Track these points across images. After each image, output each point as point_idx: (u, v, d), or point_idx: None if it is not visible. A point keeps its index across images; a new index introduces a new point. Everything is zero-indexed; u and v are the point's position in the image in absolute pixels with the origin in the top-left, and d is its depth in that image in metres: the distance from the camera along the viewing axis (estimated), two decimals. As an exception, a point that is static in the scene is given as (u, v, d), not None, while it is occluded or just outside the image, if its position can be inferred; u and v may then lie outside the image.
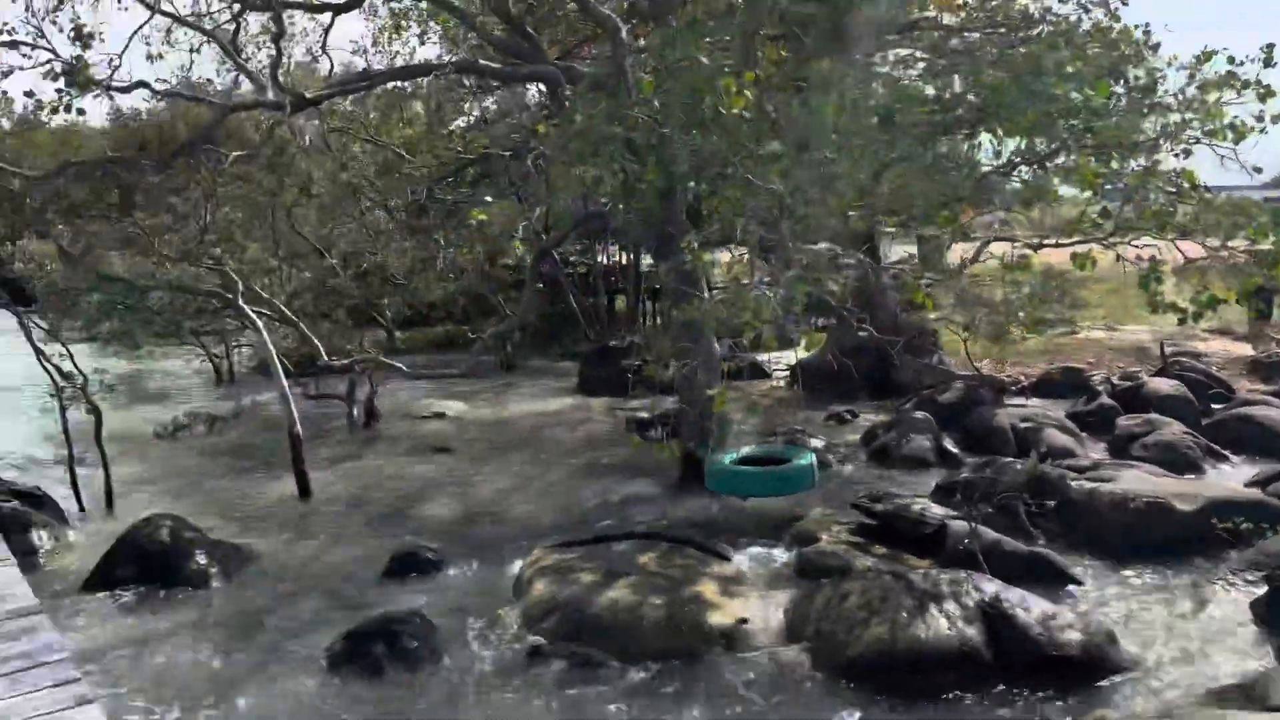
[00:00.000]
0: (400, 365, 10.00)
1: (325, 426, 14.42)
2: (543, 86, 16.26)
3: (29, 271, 17.28)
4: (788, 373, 16.70)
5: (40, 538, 9.04)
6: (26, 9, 8.01)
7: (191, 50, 9.61)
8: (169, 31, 9.77)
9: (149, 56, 8.71)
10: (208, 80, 11.60)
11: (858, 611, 6.21)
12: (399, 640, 6.28)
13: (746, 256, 9.68)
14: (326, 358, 11.13)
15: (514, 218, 7.65)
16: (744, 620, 6.45)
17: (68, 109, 7.13)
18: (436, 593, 7.61)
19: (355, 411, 14.71)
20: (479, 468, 12.04)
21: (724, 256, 8.18)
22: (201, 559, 8.25)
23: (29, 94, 7.30)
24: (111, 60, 7.64)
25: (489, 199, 9.38)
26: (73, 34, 7.12)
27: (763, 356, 17.62)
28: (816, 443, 11.42)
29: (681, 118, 5.21)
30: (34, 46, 8.14)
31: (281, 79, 8.32)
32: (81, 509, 10.43)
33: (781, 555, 8.07)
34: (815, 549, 7.82)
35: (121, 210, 10.84)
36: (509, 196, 16.33)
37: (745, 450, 9.84)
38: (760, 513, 9.20)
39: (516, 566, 7.98)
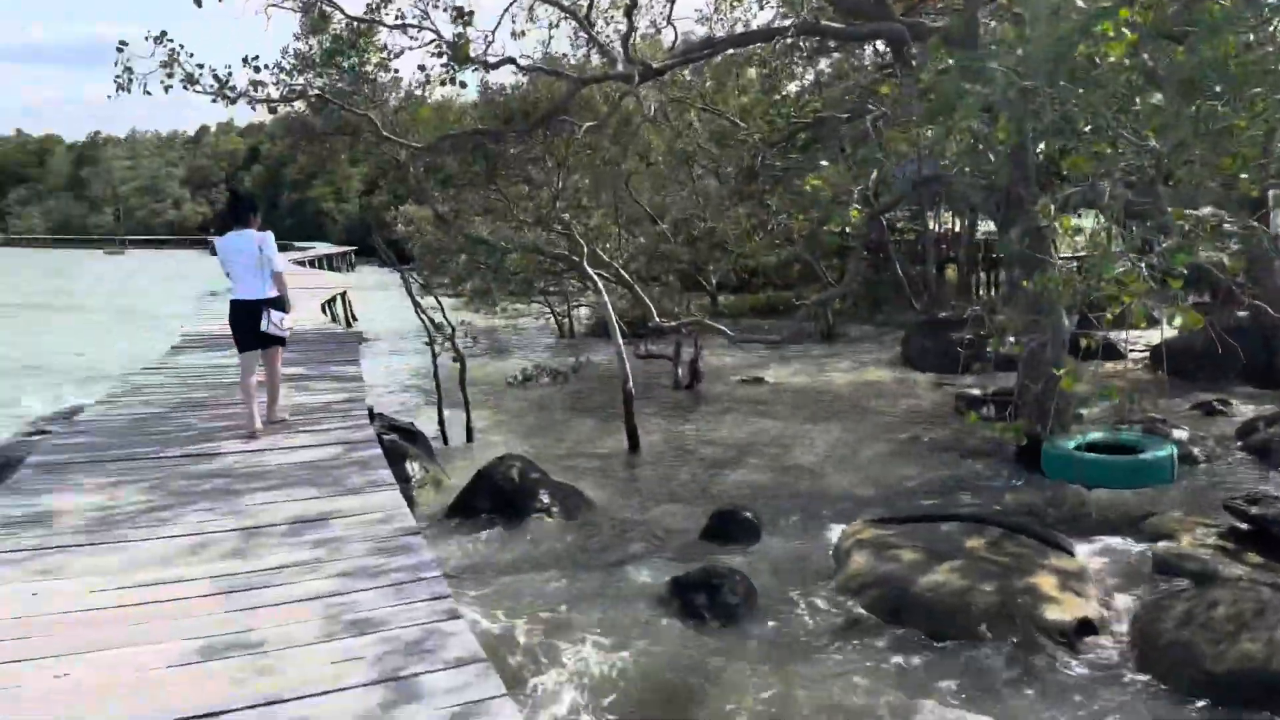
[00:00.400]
0: (725, 329, 10.19)
1: (651, 385, 15.12)
2: (882, 45, 15.70)
3: (409, 234, 19.59)
4: (1146, 354, 15.05)
5: (413, 468, 10.31)
6: (414, -7, 8.96)
7: (551, 26, 10.25)
8: (531, 9, 10.48)
9: (513, 33, 9.40)
10: (562, 55, 12.33)
11: (1225, 623, 5.48)
12: (719, 593, 6.45)
13: (1104, 222, 8.76)
14: (658, 319, 11.61)
15: (847, 183, 7.46)
16: (1087, 620, 5.92)
17: (451, 82, 8.02)
18: (754, 553, 7.73)
19: (680, 371, 15.27)
20: (797, 435, 12.04)
21: (1085, 222, 7.43)
22: (545, 498, 8.98)
23: (421, 68, 8.21)
24: (486, 37, 8.43)
25: (825, 163, 9.23)
26: (454, 13, 7.91)
27: (1116, 335, 16.01)
28: (1179, 433, 10.19)
29: (1049, 67, 4.76)
30: (419, 28, 9.11)
31: (629, 51, 8.68)
32: (446, 444, 11.76)
33: (1130, 554, 7.31)
34: (1174, 550, 7.00)
35: (487, 179, 11.95)
36: (840, 162, 16.04)
37: (1092, 436, 9.00)
38: (1108, 506, 8.40)
39: (834, 536, 7.91)
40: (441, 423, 11.85)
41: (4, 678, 3.15)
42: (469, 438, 11.93)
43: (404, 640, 3.47)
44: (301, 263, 38.98)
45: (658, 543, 8.11)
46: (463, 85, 8.86)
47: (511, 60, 9.13)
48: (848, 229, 7.84)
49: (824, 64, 20.46)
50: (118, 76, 8.59)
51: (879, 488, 9.67)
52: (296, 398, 8.09)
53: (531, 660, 5.50)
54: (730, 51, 14.01)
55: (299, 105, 10.62)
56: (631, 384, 11.22)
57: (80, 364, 19.60)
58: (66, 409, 12.20)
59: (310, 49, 10.33)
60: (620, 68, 9.05)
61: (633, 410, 11.33)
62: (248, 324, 6.90)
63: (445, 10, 8.82)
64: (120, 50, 8.44)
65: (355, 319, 23.32)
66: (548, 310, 23.24)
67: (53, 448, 6.50)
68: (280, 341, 7.10)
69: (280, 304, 7.00)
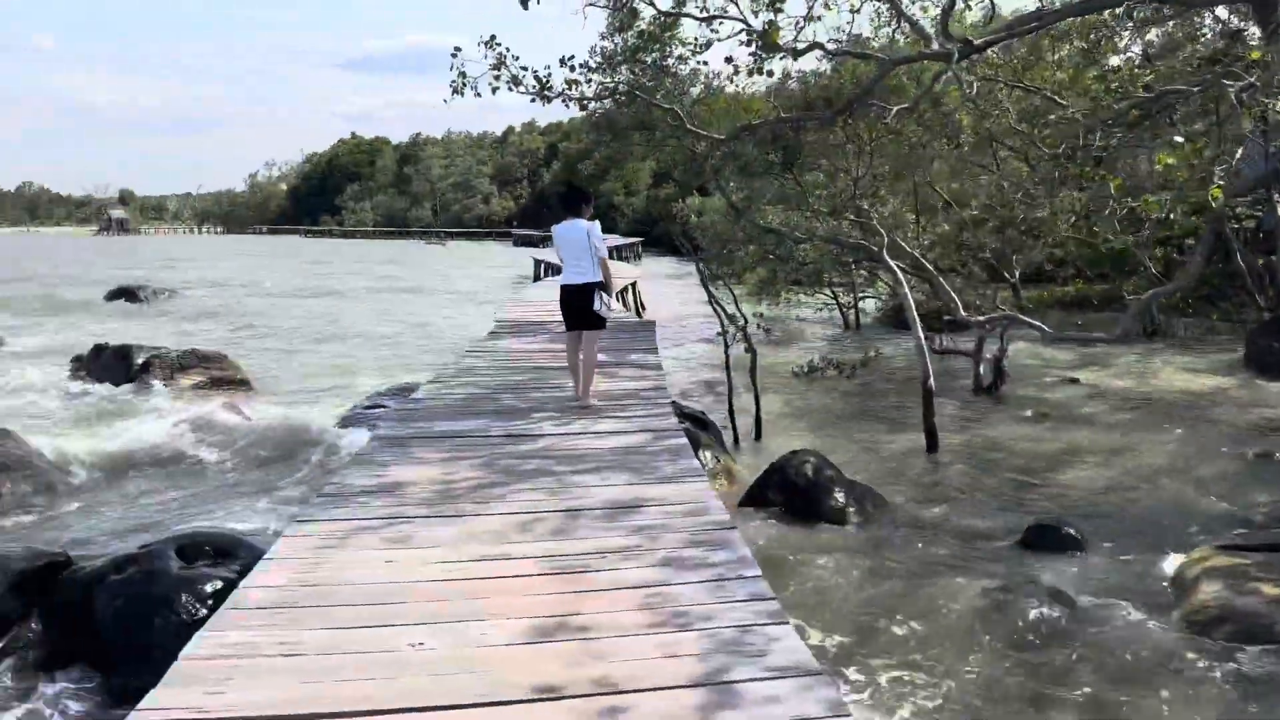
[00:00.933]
0: (1041, 325, 9.36)
1: (949, 383, 14.31)
2: (1223, 12, 13.80)
3: (699, 225, 19.83)
4: None
5: (705, 457, 10.42)
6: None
7: (852, 10, 9.87)
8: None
9: (808, 17, 9.12)
10: (857, 36, 11.87)
11: None
12: (1044, 612, 5.93)
13: None
14: (963, 312, 10.92)
15: (1201, 162, 6.53)
16: None
17: (759, 71, 7.92)
18: (1078, 572, 7.04)
19: (982, 370, 14.34)
20: (1121, 445, 10.89)
21: None
22: (840, 496, 8.71)
23: (728, 60, 8.16)
24: (797, 23, 8.25)
25: (1179, 139, 8.18)
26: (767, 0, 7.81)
27: None
28: None
29: None
30: (725, 18, 9.08)
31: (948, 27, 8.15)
32: (736, 436, 11.79)
33: None
34: None
35: (783, 168, 11.80)
36: (1194, 139, 14.27)
37: None
38: None
39: (1169, 561, 7.06)
40: (731, 413, 11.89)
41: (378, 643, 3.40)
42: (758, 429, 11.89)
43: (728, 639, 3.40)
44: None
45: (965, 551, 7.61)
46: (770, 74, 8.72)
47: (819, 46, 8.88)
48: (1165, 214, 6.90)
49: (1153, 33, 18.39)
50: (453, 81, 9.29)
51: (1223, 510, 8.53)
52: (604, 384, 8.36)
53: (846, 674, 5.31)
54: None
55: (604, 102, 10.97)
56: (932, 381, 10.64)
57: (427, 339, 21.76)
58: (400, 386, 13.49)
59: (615, 46, 10.65)
60: (936, 45, 8.52)
61: (932, 409, 10.75)
62: (575, 305, 7.54)
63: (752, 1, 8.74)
64: (454, 56, 9.13)
65: (644, 308, 24.07)
66: (832, 301, 22.76)
67: (394, 423, 7.13)
68: (600, 324, 7.62)
69: (603, 288, 7.56)
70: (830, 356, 16.87)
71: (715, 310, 12.01)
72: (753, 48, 7.83)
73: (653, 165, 75.52)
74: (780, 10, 7.76)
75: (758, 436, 11.79)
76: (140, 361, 14.75)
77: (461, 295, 35.78)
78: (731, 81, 9.21)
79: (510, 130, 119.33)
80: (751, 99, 11.74)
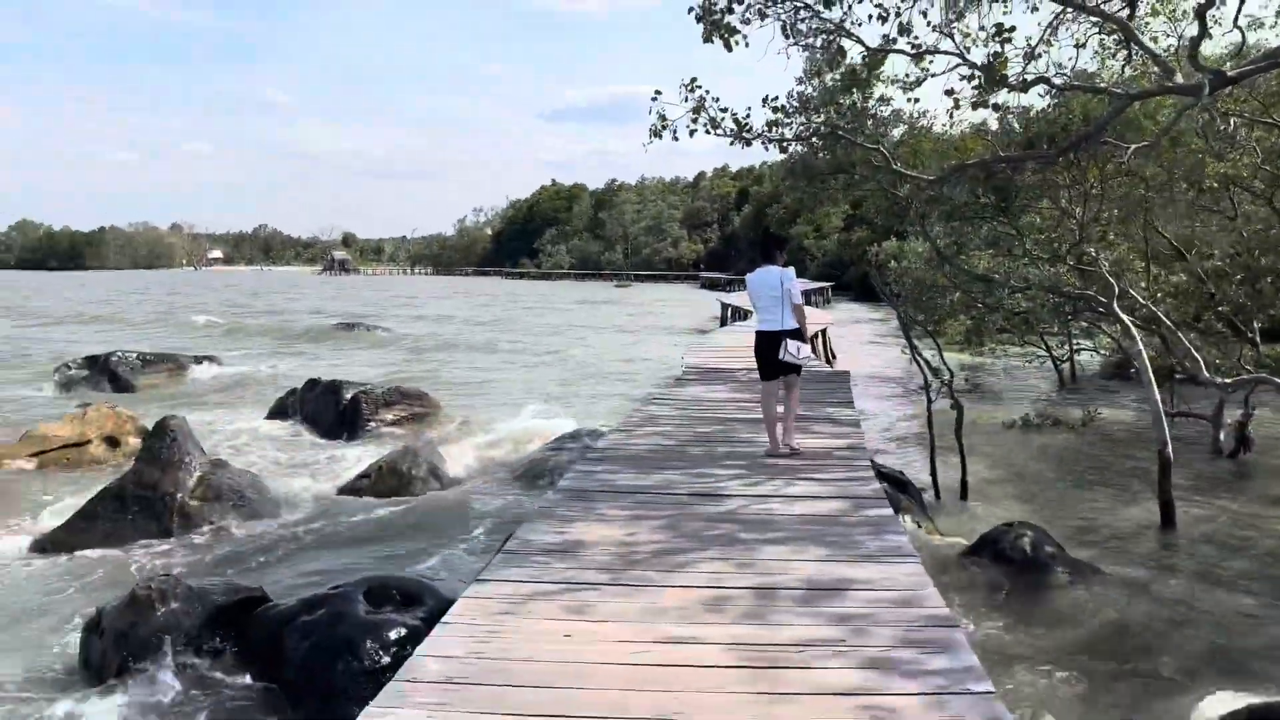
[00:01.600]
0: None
1: (1183, 449, 12.80)
2: None
3: (897, 271, 18.97)
4: None
5: (904, 522, 9.68)
6: (933, 18, 8.36)
7: (1077, 45, 9.03)
8: (1055, 27, 9.33)
9: (1029, 55, 8.37)
10: (1082, 70, 10.91)
11: None
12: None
13: None
14: (1205, 372, 9.68)
15: None
16: None
17: (984, 105, 7.30)
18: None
19: (1222, 435, 12.76)
20: None
21: None
22: (1063, 576, 7.80)
23: (948, 93, 7.57)
24: (1025, 51, 7.56)
25: None
26: (993, 30, 7.19)
27: None
28: None
29: None
30: (937, 52, 8.47)
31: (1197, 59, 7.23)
32: (938, 498, 10.92)
33: None
34: None
35: (995, 210, 10.95)
36: None
37: None
38: None
39: None
40: (934, 472, 11.04)
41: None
42: (963, 493, 10.97)
43: (954, 773, 2.84)
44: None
45: (1216, 655, 6.54)
46: (996, 108, 8.08)
47: (1044, 80, 8.13)
48: None
49: None
50: (652, 125, 9.15)
51: None
52: (796, 439, 7.86)
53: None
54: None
55: (798, 147, 10.56)
56: (1170, 448, 9.45)
57: (612, 379, 21.94)
58: (586, 430, 13.44)
59: (812, 89, 10.22)
60: (1179, 78, 7.60)
61: (1169, 478, 9.54)
62: (770, 353, 7.43)
63: (969, 34, 8.11)
64: (654, 99, 8.99)
65: (835, 356, 23.26)
66: (1043, 351, 21.13)
67: (578, 475, 6.91)
68: (797, 370, 7.54)
69: (798, 335, 7.43)
70: (1044, 413, 15.58)
71: (917, 362, 11.24)
72: (974, 82, 7.22)
73: (845, 209, 74.17)
74: (1009, 41, 7.11)
75: (963, 498, 10.88)
76: (349, 397, 15.45)
77: (647, 337, 36.03)
78: (950, 116, 8.56)
79: (702, 175, 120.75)
80: (962, 138, 10.98)
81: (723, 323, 36.72)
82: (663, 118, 9.23)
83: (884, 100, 10.42)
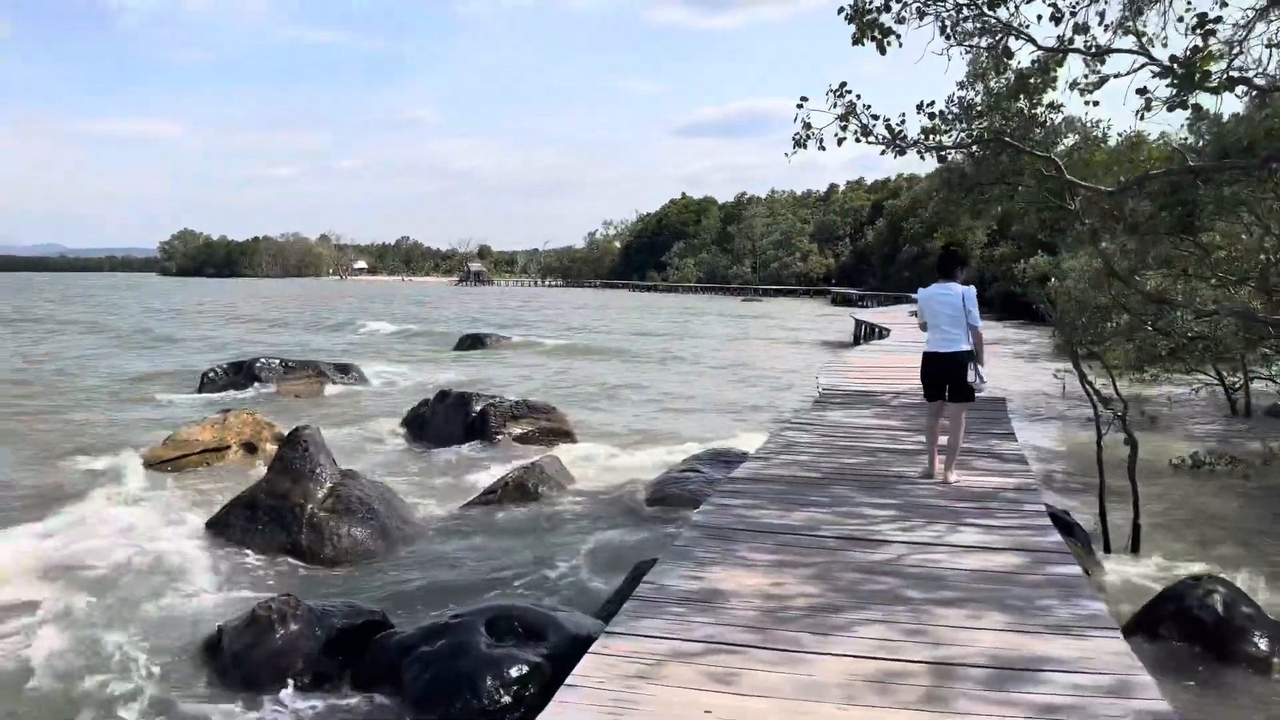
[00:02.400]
0: None
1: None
2: None
3: (1057, 288, 17.64)
4: None
5: (1070, 568, 8.75)
6: (1110, 15, 7.51)
7: (1270, 45, 7.96)
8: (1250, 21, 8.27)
9: (1224, 53, 7.38)
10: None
11: None
12: None
13: None
14: None
15: None
16: None
17: (1183, 106, 6.43)
18: None
19: None
20: None
21: None
22: (1261, 642, 6.76)
23: (1141, 92, 6.72)
24: (1232, 47, 6.63)
25: None
26: (1194, 22, 6.32)
27: None
28: None
29: None
30: (1115, 51, 7.61)
31: None
32: (1106, 543, 9.87)
33: None
34: None
35: (1179, 226, 9.86)
36: None
37: None
38: None
39: None
40: (1103, 517, 9.97)
41: None
42: (1135, 538, 9.86)
43: None
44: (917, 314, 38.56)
45: None
46: (1195, 110, 7.18)
47: (1245, 80, 7.15)
48: None
49: None
50: (796, 134, 8.58)
51: None
52: (954, 475, 7.12)
53: None
54: None
55: (957, 155, 9.78)
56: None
57: (745, 395, 21.35)
58: (716, 451, 12.88)
59: (976, 96, 9.43)
60: None
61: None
62: (938, 376, 7.20)
63: (1144, 33, 7.22)
64: (799, 106, 8.41)
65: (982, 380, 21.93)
66: (1214, 380, 19.30)
67: (714, 509, 6.38)
68: (969, 397, 7.21)
69: (973, 357, 7.15)
70: (1218, 450, 14.10)
71: (1085, 389, 10.23)
72: (1168, 80, 6.35)
73: (989, 224, 71.14)
74: (1212, 33, 6.23)
75: (1134, 547, 9.78)
76: (478, 410, 15.37)
77: (778, 351, 35.15)
78: (1140, 118, 7.61)
79: (834, 188, 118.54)
80: (1135, 147, 9.95)
81: (856, 340, 35.53)
82: (807, 126, 8.64)
83: (1054, 107, 9.53)
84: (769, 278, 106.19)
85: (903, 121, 8.63)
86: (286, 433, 11.90)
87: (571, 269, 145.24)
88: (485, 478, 12.81)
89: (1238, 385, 19.17)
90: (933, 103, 8.80)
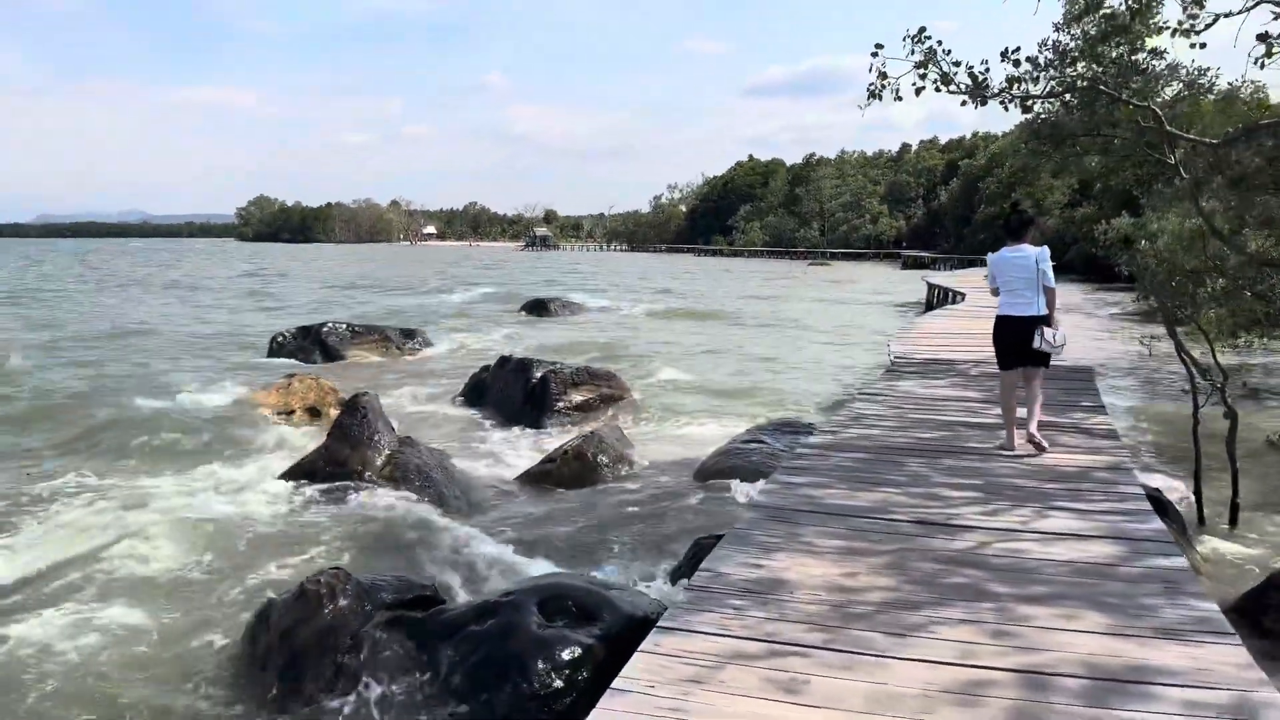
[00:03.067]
0: None
1: None
2: None
3: (1149, 250, 16.67)
4: None
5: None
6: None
7: None
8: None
9: None
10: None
11: None
12: None
13: None
14: None
15: None
16: None
17: None
18: None
19: None
20: None
21: None
22: (1383, 640, 6.16)
23: (1262, 37, 6.06)
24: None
25: None
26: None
27: None
28: None
29: None
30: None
31: None
32: (1202, 521, 9.23)
33: None
34: None
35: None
36: None
37: None
38: None
39: None
40: (1199, 495, 9.32)
41: None
42: (1233, 514, 9.20)
43: None
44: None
45: None
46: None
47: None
48: None
49: None
50: (870, 84, 8.01)
51: None
52: (1037, 432, 6.65)
53: None
54: None
55: (1051, 103, 9.08)
56: None
57: (809, 359, 20.80)
58: (782, 421, 12.45)
59: (1071, 40, 8.71)
60: None
61: None
62: (1014, 341, 6.94)
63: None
64: (875, 55, 7.84)
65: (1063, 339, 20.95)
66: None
67: (778, 489, 5.99)
68: (1045, 361, 6.99)
69: (1048, 321, 6.93)
70: (1325, 424, 13.18)
71: (1183, 359, 9.55)
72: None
73: (1069, 183, 68.43)
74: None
75: (1232, 523, 9.14)
76: (538, 376, 15.15)
77: (846, 315, 34.31)
78: (1260, 66, 6.88)
79: (906, 148, 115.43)
80: (1259, 100, 9.12)
81: (928, 305, 34.46)
82: (883, 75, 8.07)
83: (1156, 53, 8.78)
84: (837, 241, 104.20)
85: (986, 69, 8.00)
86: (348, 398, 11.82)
87: (637, 233, 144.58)
88: (546, 445, 12.60)
89: (1342, 353, 18.01)
90: (1018, 49, 8.14)
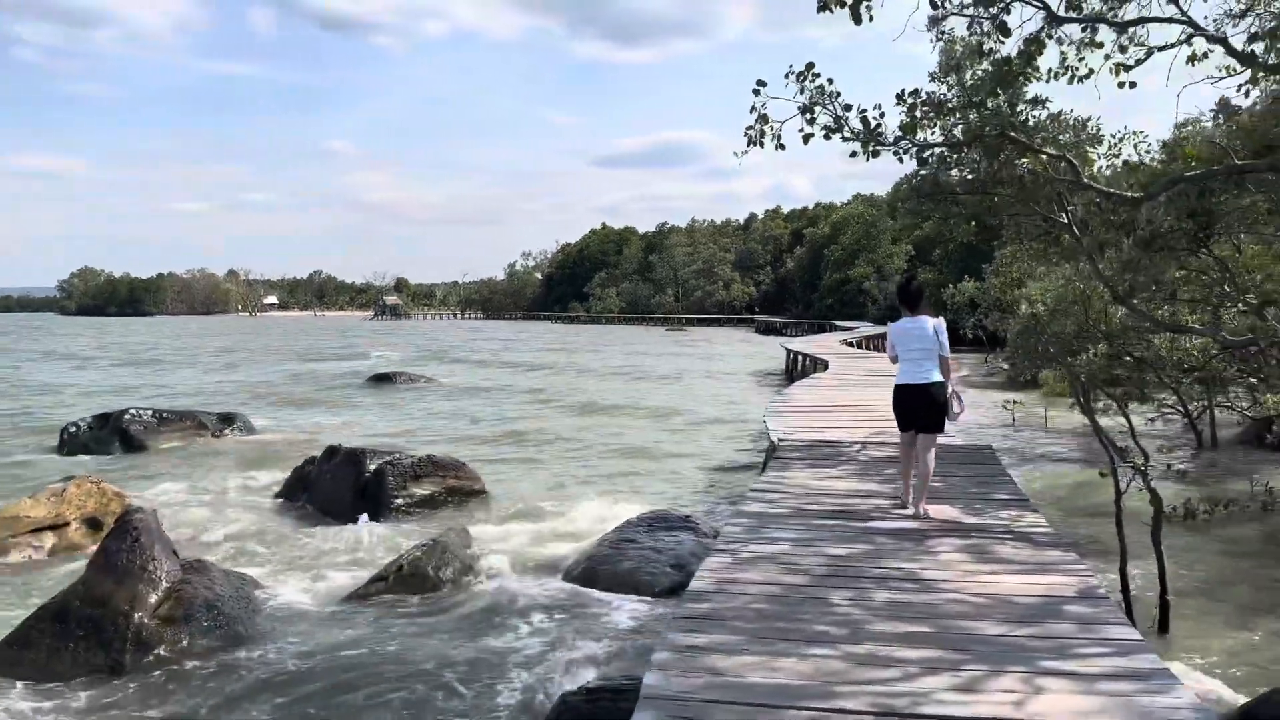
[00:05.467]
0: None
1: None
2: None
3: (1023, 316, 16.14)
4: None
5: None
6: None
7: None
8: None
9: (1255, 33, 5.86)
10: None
11: None
12: None
13: None
14: None
15: None
16: None
17: (1254, 83, 4.87)
18: None
19: None
20: None
21: None
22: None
23: (1191, 60, 5.09)
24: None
25: None
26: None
27: None
28: None
29: None
30: (1149, 20, 6.03)
31: None
32: (1131, 621, 8.18)
33: None
34: None
35: (1192, 240, 8.33)
36: None
37: None
38: None
39: None
40: (1126, 594, 8.25)
41: None
42: (1163, 616, 8.17)
43: None
44: (849, 343, 37.26)
45: None
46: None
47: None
48: None
49: None
50: (748, 128, 6.76)
51: None
52: (926, 508, 5.35)
53: None
54: None
55: (938, 153, 8.07)
56: None
57: (686, 446, 19.37)
58: (654, 515, 10.90)
59: (947, 92, 7.75)
60: None
61: None
62: (912, 405, 7.22)
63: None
64: (756, 93, 6.59)
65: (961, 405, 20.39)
66: (1171, 408, 18.01)
67: (674, 656, 4.39)
68: (939, 428, 7.23)
69: (943, 388, 7.15)
70: (1209, 494, 12.72)
71: (1102, 442, 8.62)
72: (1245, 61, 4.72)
73: (906, 249, 70.94)
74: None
75: (1163, 628, 8.12)
76: (372, 469, 13.15)
77: (714, 386, 33.38)
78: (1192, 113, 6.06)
79: (753, 216, 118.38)
80: (1182, 149, 8.36)
81: (789, 372, 33.97)
82: (764, 119, 6.85)
83: (1038, 101, 7.92)
84: (692, 306, 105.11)
85: (881, 114, 6.87)
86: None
87: (492, 301, 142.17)
88: (378, 555, 10.63)
89: (1198, 413, 18.03)
90: (915, 91, 7.08)
